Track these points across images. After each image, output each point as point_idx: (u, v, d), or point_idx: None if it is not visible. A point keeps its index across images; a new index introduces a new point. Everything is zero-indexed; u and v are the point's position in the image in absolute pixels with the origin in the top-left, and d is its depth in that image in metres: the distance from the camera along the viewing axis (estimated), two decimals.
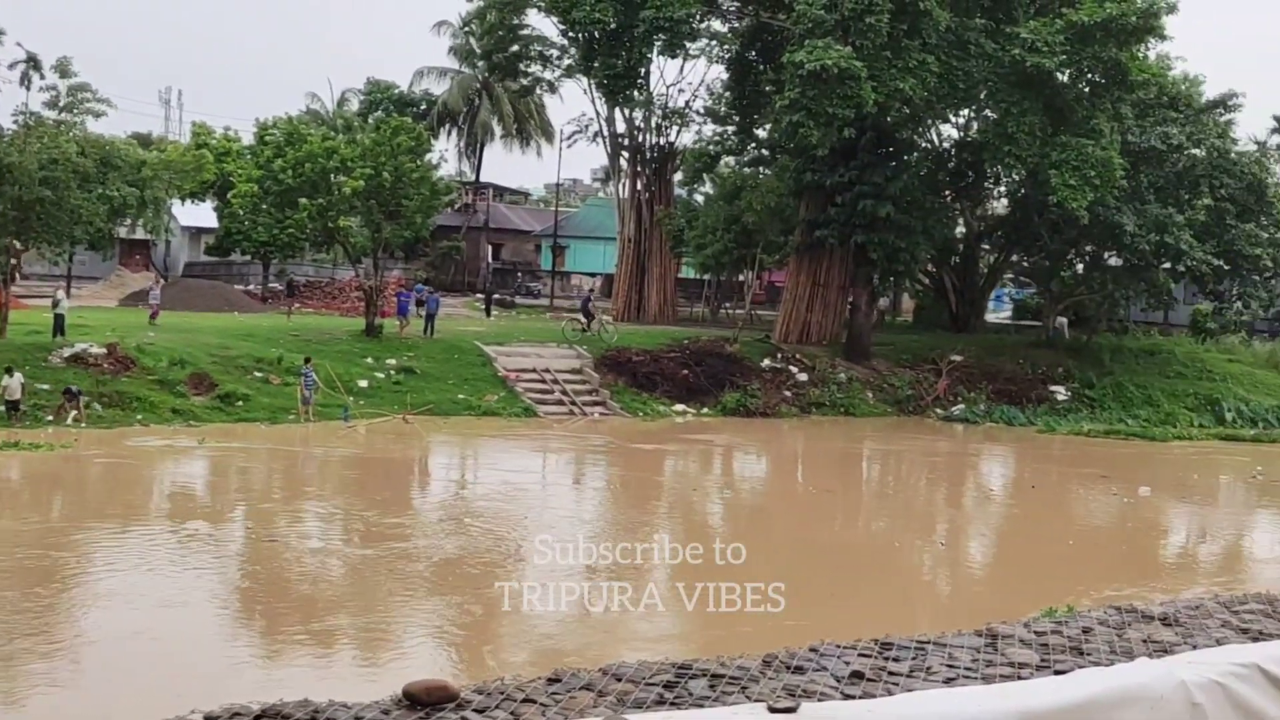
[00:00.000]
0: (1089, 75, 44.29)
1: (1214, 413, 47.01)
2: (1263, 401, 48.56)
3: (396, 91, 79.41)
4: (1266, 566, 23.60)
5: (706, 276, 64.25)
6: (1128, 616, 9.72)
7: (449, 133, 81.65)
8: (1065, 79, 44.11)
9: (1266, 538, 28.21)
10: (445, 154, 77.01)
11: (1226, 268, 50.25)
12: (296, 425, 34.06)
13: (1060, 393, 47.06)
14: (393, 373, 39.32)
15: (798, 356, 45.48)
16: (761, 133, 54.28)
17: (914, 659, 8.19)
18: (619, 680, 7.16)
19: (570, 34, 52.40)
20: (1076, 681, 7.59)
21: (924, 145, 52.66)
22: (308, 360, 36.15)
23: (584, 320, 47.60)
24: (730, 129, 55.04)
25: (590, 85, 54.94)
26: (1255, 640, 8.99)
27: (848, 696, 7.24)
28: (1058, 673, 7.97)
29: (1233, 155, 50.79)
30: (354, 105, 79.54)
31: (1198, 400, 47.80)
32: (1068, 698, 7.39)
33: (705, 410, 40.89)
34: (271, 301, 61.16)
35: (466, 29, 72.62)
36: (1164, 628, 9.46)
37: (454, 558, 19.92)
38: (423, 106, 78.27)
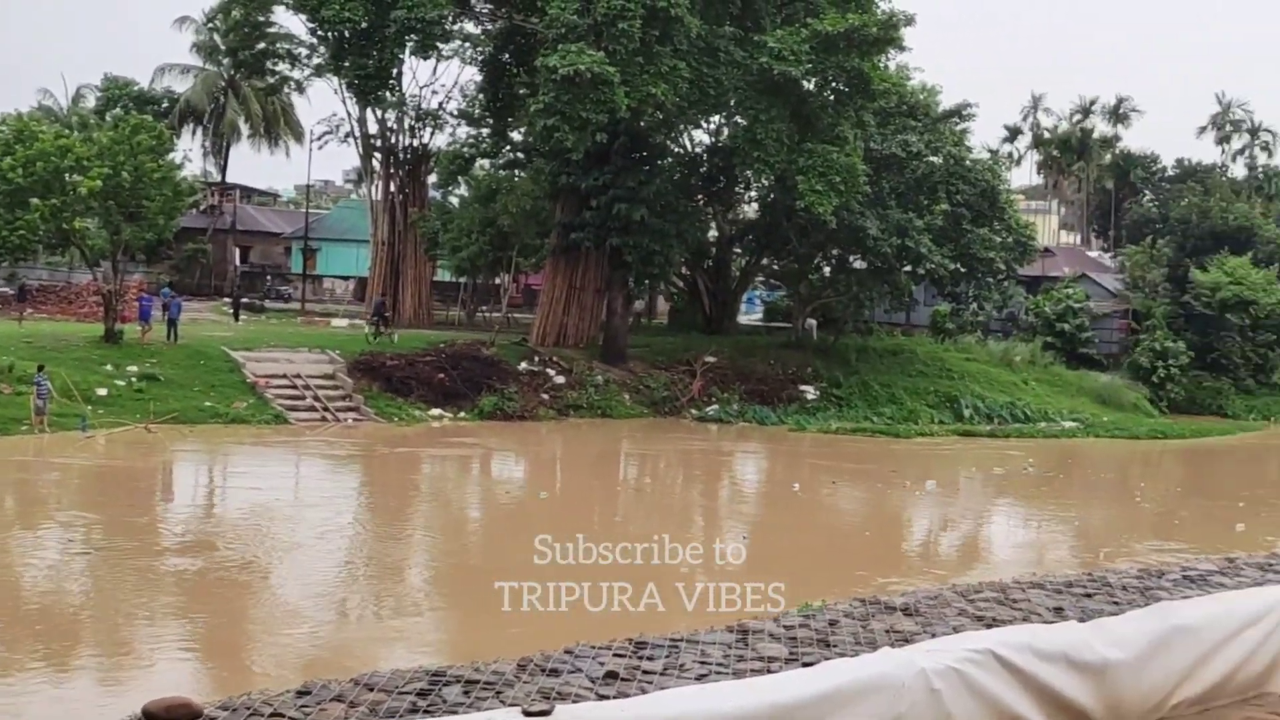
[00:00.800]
0: (833, 84, 45.71)
1: (953, 409, 49.20)
2: (997, 398, 51.07)
3: (136, 88, 76.26)
4: (1002, 554, 24.80)
5: (463, 279, 63.84)
6: (872, 608, 10.07)
7: (193, 132, 78.92)
8: (811, 87, 45.42)
9: (1002, 527, 29.64)
10: (189, 154, 74.32)
11: (963, 270, 52.73)
12: (30, 436, 32.42)
13: (810, 392, 48.47)
14: (134, 380, 37.78)
15: (555, 359, 45.65)
16: (516, 135, 54.30)
17: (668, 657, 8.30)
18: (371, 690, 7.04)
19: (319, 33, 51.33)
20: (823, 673, 7.83)
21: (677, 150, 53.51)
22: (41, 368, 34.42)
23: (377, 325, 48.36)
24: (485, 131, 54.89)
25: (341, 85, 53.97)
26: (989, 627, 9.43)
27: (602, 697, 7.29)
28: (806, 665, 8.20)
29: (968, 163, 53.29)
30: (90, 102, 76.13)
31: (938, 398, 49.92)
32: (815, 689, 7.61)
33: (462, 414, 40.64)
34: (1, 307, 58.06)
35: (210, 25, 70.52)
36: (905, 618, 9.83)
37: (199, 571, 19.28)
38: (164, 104, 75.39)
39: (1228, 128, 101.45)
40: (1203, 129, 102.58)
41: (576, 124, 41.25)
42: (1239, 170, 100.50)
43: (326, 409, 38.98)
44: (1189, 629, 10.20)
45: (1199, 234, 65.23)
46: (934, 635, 9.08)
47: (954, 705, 8.35)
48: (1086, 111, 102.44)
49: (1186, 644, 10.14)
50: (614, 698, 7.23)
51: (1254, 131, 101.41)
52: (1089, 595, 11.27)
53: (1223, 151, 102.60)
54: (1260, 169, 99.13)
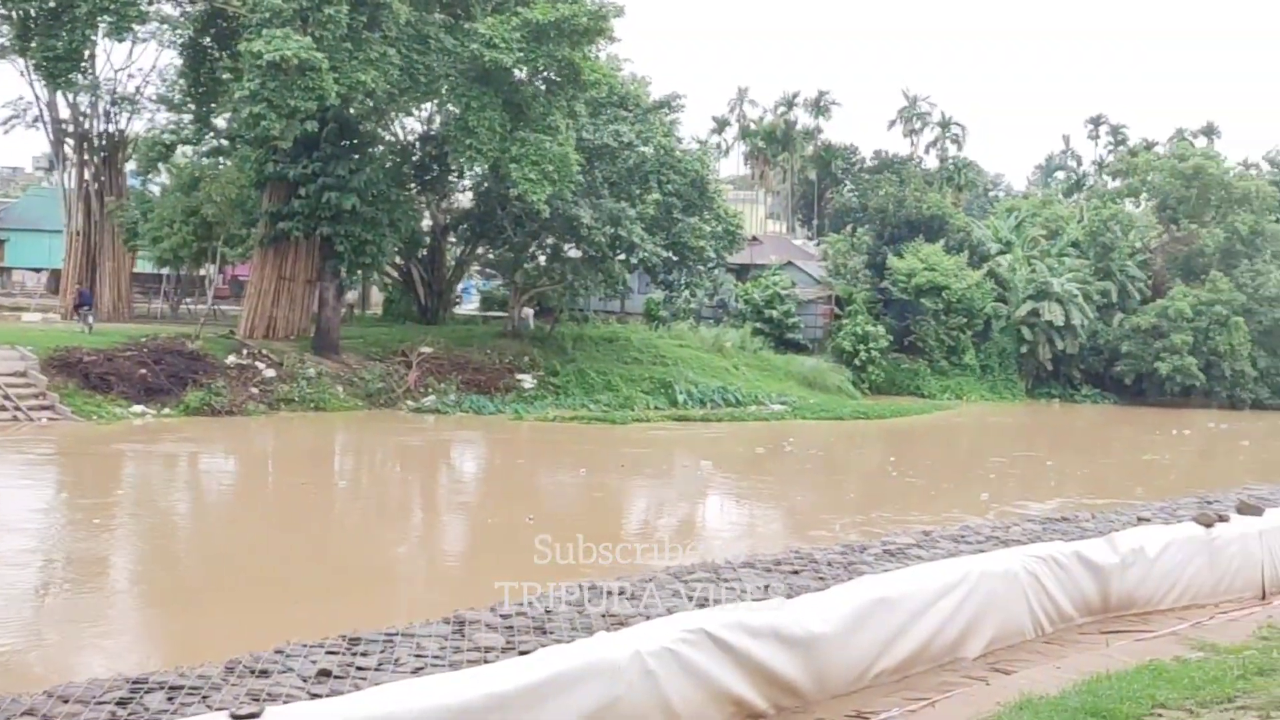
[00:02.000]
0: (545, 73, 45.86)
1: (668, 395, 50.20)
2: (709, 383, 52.38)
3: None
4: (716, 535, 25.42)
5: (165, 271, 61.37)
6: (589, 593, 10.17)
7: None
8: (523, 76, 45.46)
9: (718, 508, 30.38)
10: None
11: (675, 259, 53.82)
12: None
13: (527, 381, 48.61)
14: None
15: (265, 352, 44.36)
16: (221, 122, 52.40)
17: (382, 652, 8.19)
18: (66, 701, 6.70)
19: (2, 10, 48.36)
20: (540, 661, 7.87)
21: (389, 138, 52.78)
22: None
23: (86, 316, 46.92)
24: (186, 118, 52.81)
25: (28, 67, 50.98)
26: (702, 607, 9.65)
27: (315, 696, 7.14)
28: (523, 653, 8.21)
29: (678, 153, 54.36)
30: None
31: (653, 384, 50.83)
32: (532, 677, 7.64)
33: (167, 410, 39.06)
34: None
35: None
36: (621, 601, 9.97)
37: None
38: None
39: (915, 121, 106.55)
40: (892, 122, 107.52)
41: (284, 111, 40.15)
42: (931, 161, 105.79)
43: (18, 408, 36.85)
44: (889, 601, 10.70)
45: (896, 223, 68.39)
46: (649, 618, 9.23)
47: (669, 685, 8.53)
48: (790, 104, 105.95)
49: (887, 616, 10.63)
50: (327, 696, 7.09)
51: (944, 125, 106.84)
52: (796, 572, 11.66)
53: (913, 144, 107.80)
54: (950, 160, 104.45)
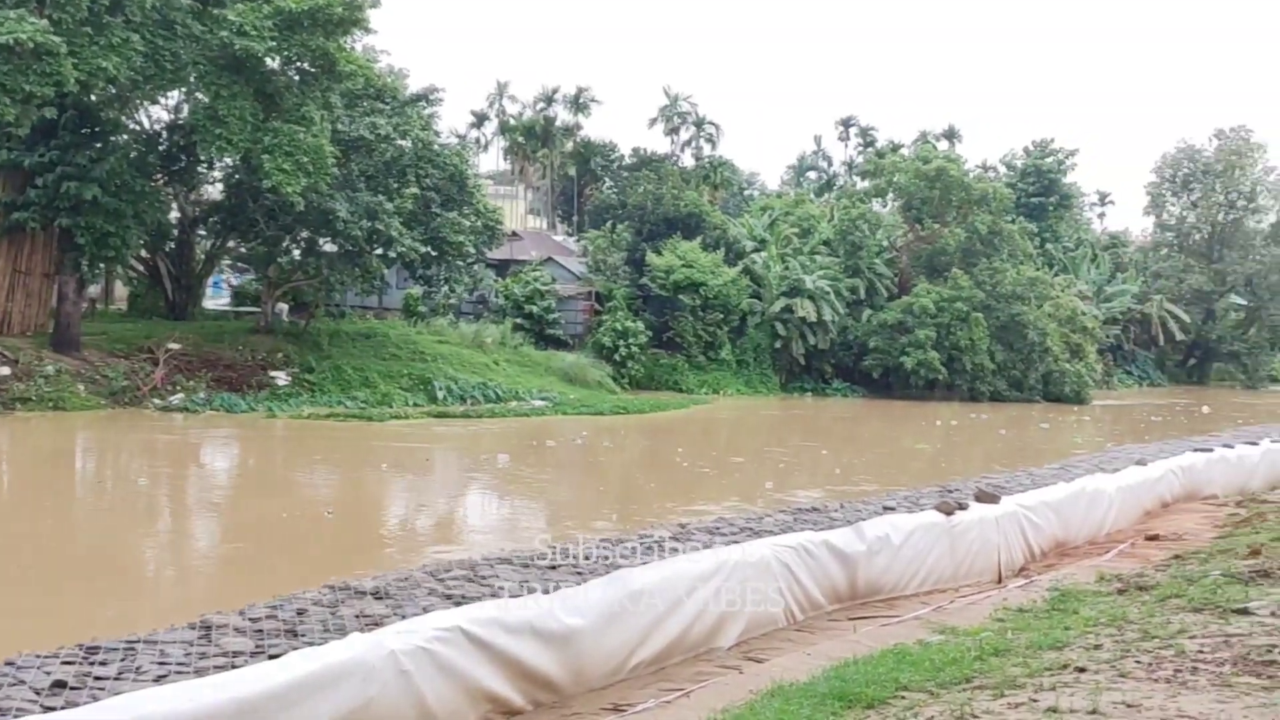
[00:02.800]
0: (298, 63, 44.83)
1: (427, 391, 49.73)
2: (470, 379, 52.12)
3: None
4: (475, 532, 25.30)
5: None
6: (341, 594, 9.99)
7: None
8: (275, 65, 44.35)
9: (478, 505, 30.25)
10: None
11: (434, 254, 53.36)
12: None
13: (281, 378, 47.47)
14: None
15: None
16: None
17: (123, 660, 7.87)
18: None
19: None
20: (289, 664, 7.68)
21: (134, 127, 50.73)
22: None
23: None
24: None
25: None
26: (458, 605, 9.58)
27: (48, 709, 6.81)
28: (272, 657, 8.01)
29: (436, 147, 53.87)
30: None
31: (412, 380, 50.27)
32: (281, 680, 7.46)
33: None
34: None
35: None
36: (376, 601, 9.82)
37: None
38: None
39: (675, 120, 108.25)
40: (653, 120, 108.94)
41: (19, 97, 38.16)
42: (688, 160, 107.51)
43: None
44: (645, 594, 10.82)
45: (654, 220, 69.29)
46: (404, 617, 9.12)
47: (425, 685, 8.45)
48: (549, 100, 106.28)
49: (643, 608, 10.76)
50: (62, 708, 6.77)
51: (700, 124, 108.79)
52: (554, 568, 11.69)
53: (672, 142, 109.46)
54: (706, 159, 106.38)
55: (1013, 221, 76.55)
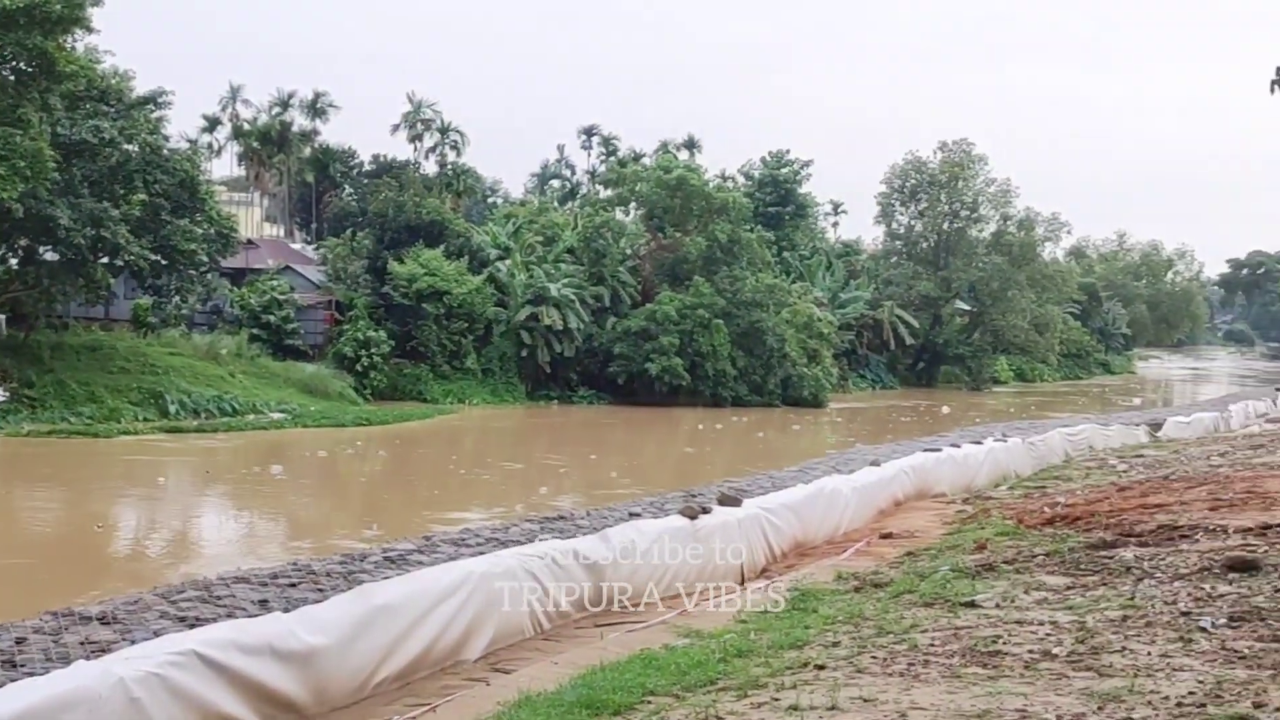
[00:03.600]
0: (14, 62, 42.66)
1: (158, 406, 47.92)
2: (204, 392, 50.43)
3: None
4: (211, 551, 24.51)
5: None
6: (64, 620, 9.53)
7: None
8: None
9: (214, 523, 29.33)
10: None
11: (164, 263, 51.40)
12: None
13: None
14: None
15: None
16: None
17: None
18: None
19: None
20: (8, 696, 7.28)
21: None
22: None
23: None
24: None
25: None
26: (192, 627, 9.25)
27: None
28: None
29: (165, 152, 51.92)
30: None
31: (142, 394, 48.34)
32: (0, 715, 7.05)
33: None
34: None
35: None
36: (103, 627, 9.40)
37: None
38: None
39: (419, 126, 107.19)
40: (396, 127, 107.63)
41: None
42: (431, 167, 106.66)
43: None
44: (389, 608, 10.66)
45: (396, 227, 68.43)
46: (134, 642, 8.75)
47: (157, 712, 8.12)
48: (285, 104, 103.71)
49: (387, 623, 10.60)
50: None
51: (444, 130, 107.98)
52: (294, 585, 11.43)
53: (415, 149, 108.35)
54: (450, 166, 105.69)
55: (751, 230, 78.31)
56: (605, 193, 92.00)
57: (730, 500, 17.40)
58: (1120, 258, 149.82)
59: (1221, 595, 10.46)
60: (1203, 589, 10.79)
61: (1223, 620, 9.44)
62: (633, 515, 16.30)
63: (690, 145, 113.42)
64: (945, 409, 71.86)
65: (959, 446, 28.12)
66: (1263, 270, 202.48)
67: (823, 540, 19.06)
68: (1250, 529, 14.04)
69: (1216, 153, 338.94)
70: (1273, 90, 11.91)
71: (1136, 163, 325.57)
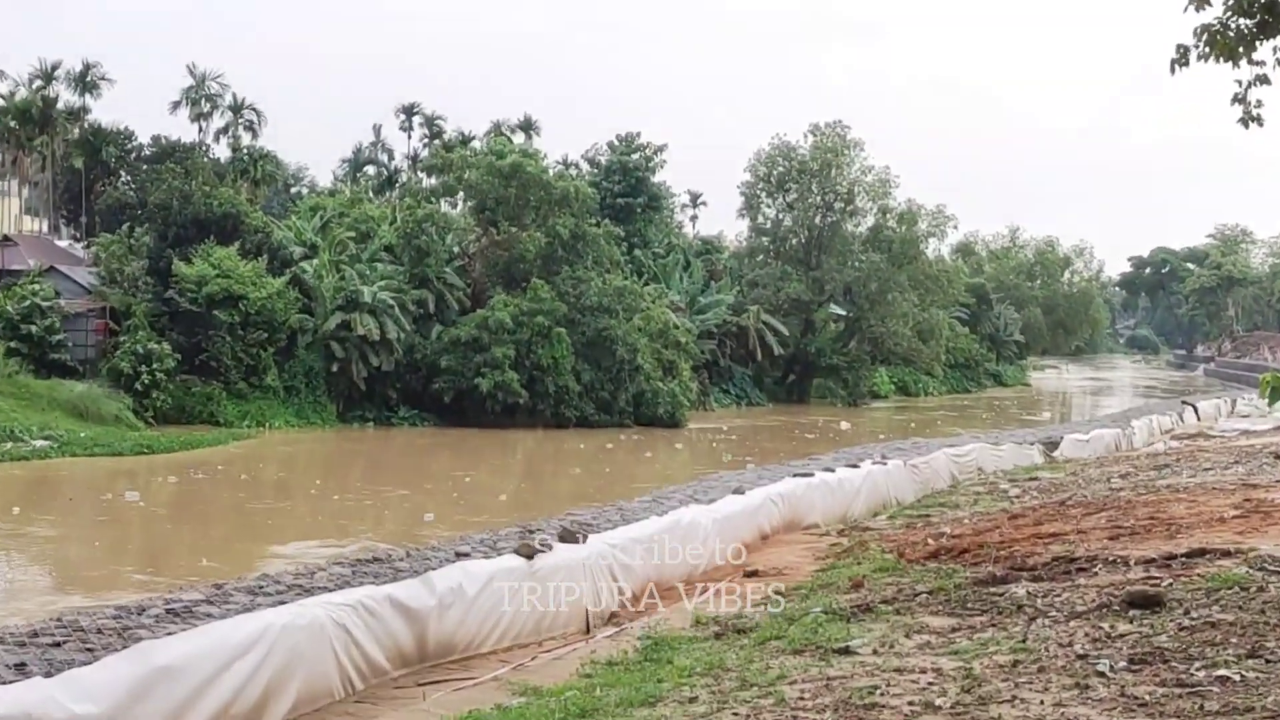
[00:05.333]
0: None
1: None
2: None
3: None
4: None
5: None
6: None
7: None
8: None
9: None
10: None
11: None
12: None
13: None
14: None
15: None
16: None
17: None
18: None
19: None
20: None
21: None
22: None
23: None
24: None
25: None
26: None
27: None
28: None
29: None
30: None
31: None
32: None
33: None
34: None
35: None
36: None
37: None
38: None
39: (204, 103, 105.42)
40: (177, 104, 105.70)
41: None
42: (224, 151, 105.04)
43: None
44: (172, 670, 10.46)
45: (182, 222, 67.13)
46: None
47: None
48: (49, 77, 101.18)
49: (170, 687, 10.40)
50: None
51: (237, 109, 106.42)
52: (59, 644, 11.16)
53: (201, 129, 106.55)
54: (245, 150, 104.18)
55: (598, 225, 78.57)
56: (429, 181, 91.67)
57: (573, 536, 17.42)
58: (1012, 255, 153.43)
59: (1121, 635, 10.77)
60: (1101, 628, 11.10)
61: (1123, 663, 9.73)
62: (460, 555, 16.20)
63: (527, 127, 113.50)
64: (845, 424, 73.01)
65: (833, 471, 28.53)
66: (1167, 269, 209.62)
67: (680, 579, 19.19)
68: (1153, 560, 14.51)
69: (1117, 141, 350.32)
70: (1173, 70, 12.36)
71: (1030, 151, 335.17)
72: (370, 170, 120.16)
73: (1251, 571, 13.10)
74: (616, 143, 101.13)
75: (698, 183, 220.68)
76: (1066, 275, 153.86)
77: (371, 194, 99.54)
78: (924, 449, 35.57)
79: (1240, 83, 12.39)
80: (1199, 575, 13.15)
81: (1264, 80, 12.30)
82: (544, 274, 71.85)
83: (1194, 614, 11.23)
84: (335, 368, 67.03)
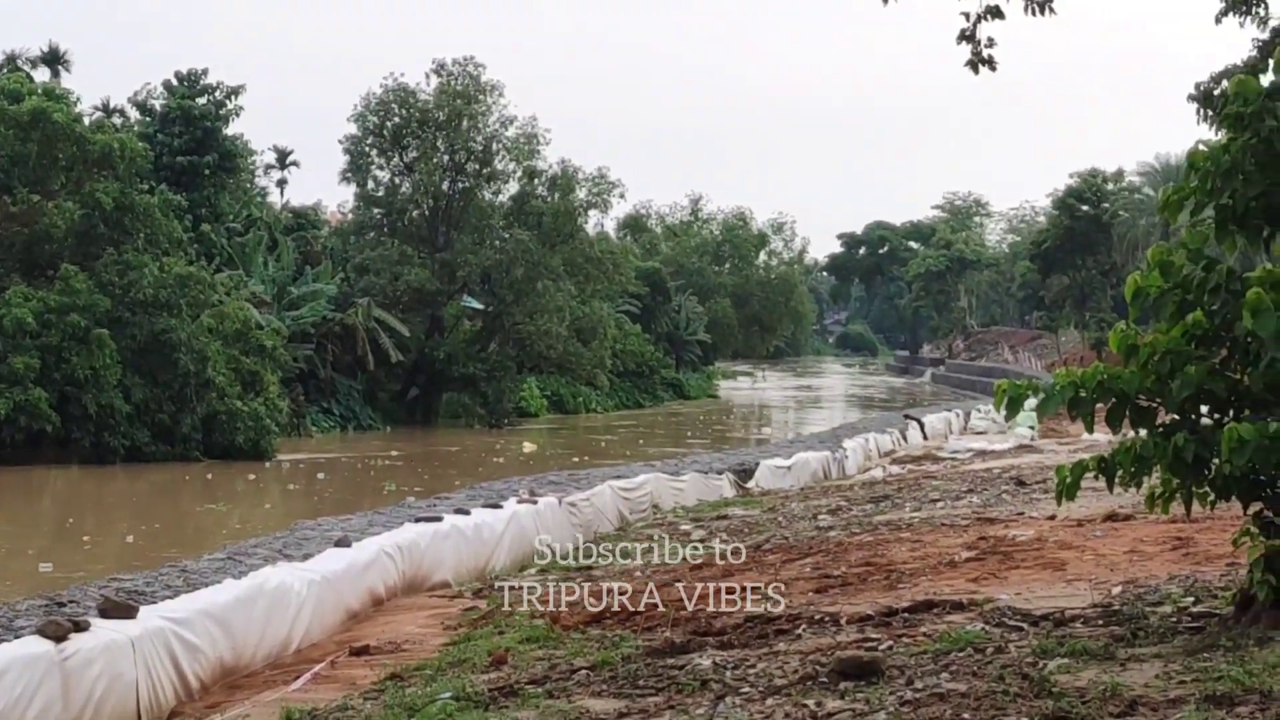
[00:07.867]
0: None
1: None
2: None
3: None
4: None
5: None
6: None
7: None
8: None
9: None
10: None
11: None
12: None
13: None
14: None
15: None
16: None
17: None
18: None
19: None
20: None
21: None
22: None
23: None
24: None
25: None
26: None
27: None
28: None
29: None
30: None
31: None
32: None
33: None
34: None
35: None
36: None
37: None
38: None
39: None
40: None
41: None
42: None
43: None
44: None
45: None
46: None
47: None
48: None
49: None
50: None
51: None
52: None
53: None
54: None
55: (152, 191, 76.95)
56: None
57: (120, 609, 16.99)
58: (695, 232, 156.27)
59: (830, 714, 11.03)
60: (805, 706, 11.35)
61: None
62: None
63: (54, 60, 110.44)
64: (528, 445, 73.22)
65: (468, 513, 28.55)
66: (886, 249, 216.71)
67: (264, 662, 18.97)
68: (870, 617, 14.97)
69: (811, 94, 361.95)
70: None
71: (712, 108, 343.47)
72: None
73: (988, 628, 13.58)
74: (176, 83, 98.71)
75: (289, 139, 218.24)
76: (762, 257, 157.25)
77: None
78: (584, 482, 35.93)
79: (967, 15, 12.67)
80: (925, 635, 13.58)
81: (996, 13, 12.60)
82: (79, 258, 69.89)
83: (918, 684, 11.55)
84: None
